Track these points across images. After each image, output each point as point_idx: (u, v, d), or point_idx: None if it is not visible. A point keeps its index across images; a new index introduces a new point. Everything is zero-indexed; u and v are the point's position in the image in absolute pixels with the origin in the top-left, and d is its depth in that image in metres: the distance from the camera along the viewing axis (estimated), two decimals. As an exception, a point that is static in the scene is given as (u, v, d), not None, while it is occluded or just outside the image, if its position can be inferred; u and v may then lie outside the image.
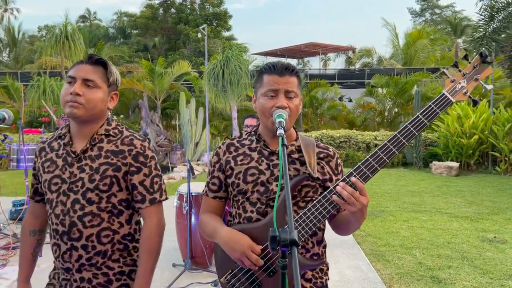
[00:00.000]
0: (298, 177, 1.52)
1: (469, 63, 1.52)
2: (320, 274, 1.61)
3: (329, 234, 1.66)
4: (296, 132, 1.67)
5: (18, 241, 4.94)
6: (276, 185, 1.53)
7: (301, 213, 1.47)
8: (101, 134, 1.65)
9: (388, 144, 1.48)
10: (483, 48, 9.65)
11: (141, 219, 1.72)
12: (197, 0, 36.31)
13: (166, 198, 1.71)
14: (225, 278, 1.54)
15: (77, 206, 1.58)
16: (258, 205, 1.54)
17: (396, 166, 13.06)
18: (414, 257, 4.78)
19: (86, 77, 1.59)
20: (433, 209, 7.24)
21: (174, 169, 12.04)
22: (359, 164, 1.47)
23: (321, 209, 1.46)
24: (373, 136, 14.47)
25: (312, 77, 22.74)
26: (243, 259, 1.44)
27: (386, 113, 19.20)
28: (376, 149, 1.48)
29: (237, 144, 1.66)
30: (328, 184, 1.59)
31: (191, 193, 4.26)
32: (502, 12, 9.54)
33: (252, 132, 1.67)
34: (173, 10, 36.56)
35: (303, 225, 1.46)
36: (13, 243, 4.96)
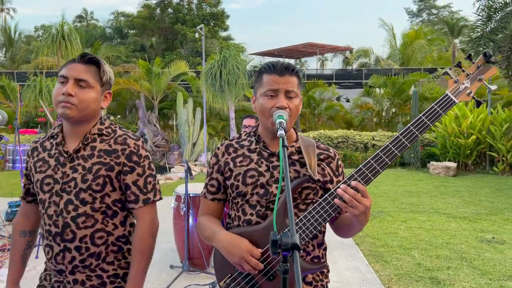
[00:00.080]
0: (299, 179, 1.49)
1: (473, 63, 1.49)
2: (320, 277, 1.58)
3: (327, 235, 1.63)
4: (296, 133, 1.64)
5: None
6: (276, 187, 1.50)
7: (301, 216, 1.44)
8: (94, 134, 1.62)
9: (390, 145, 1.45)
10: (481, 49, 9.65)
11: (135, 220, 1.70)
12: (194, 0, 36.26)
13: (160, 198, 1.68)
14: (224, 282, 1.51)
15: (70, 207, 1.55)
16: (258, 207, 1.51)
17: (394, 166, 13.05)
18: (412, 257, 4.76)
19: (78, 76, 1.55)
20: (431, 209, 7.23)
21: (172, 169, 12.00)
22: (360, 166, 1.44)
23: (322, 212, 1.43)
24: (371, 136, 14.46)
25: (309, 77, 22.74)
26: (242, 263, 1.41)
27: (383, 113, 19.20)
28: (378, 151, 1.46)
29: (236, 145, 1.62)
30: (329, 186, 1.56)
31: (189, 194, 4.23)
32: (499, 12, 9.55)
33: (252, 133, 1.64)
34: (170, 10, 36.51)
35: (304, 228, 1.43)
36: (9, 245, 4.91)
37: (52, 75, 17.99)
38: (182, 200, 4.28)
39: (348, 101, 22.33)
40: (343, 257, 4.82)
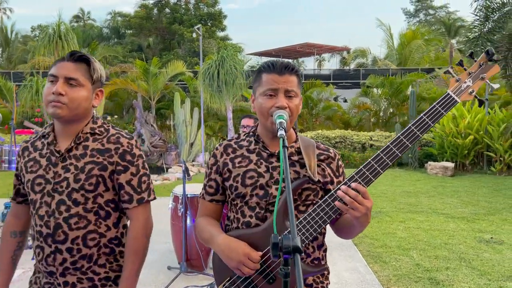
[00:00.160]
0: (298, 180, 1.47)
1: (475, 61, 1.47)
2: (321, 279, 1.56)
3: (326, 235, 1.61)
4: (296, 133, 1.61)
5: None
6: (276, 189, 1.48)
7: (301, 218, 1.42)
8: (87, 133, 1.60)
9: (391, 146, 1.43)
10: (478, 49, 9.66)
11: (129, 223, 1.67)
12: (191, 0, 36.21)
13: (154, 198, 1.66)
14: (223, 285, 1.49)
15: (62, 208, 1.52)
16: (257, 209, 1.48)
17: (392, 166, 13.04)
18: (411, 258, 4.74)
19: (68, 75, 1.53)
20: (429, 209, 7.22)
21: (169, 170, 11.96)
22: (361, 167, 1.41)
23: (322, 213, 1.40)
24: (369, 136, 14.46)
25: (307, 78, 22.73)
26: (240, 267, 1.38)
27: (381, 114, 19.20)
28: (378, 151, 1.43)
29: (235, 146, 1.59)
30: (329, 186, 1.53)
31: (187, 194, 4.20)
32: (497, 12, 9.56)
33: (251, 133, 1.61)
34: (167, 10, 36.46)
35: (304, 230, 1.40)
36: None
37: (49, 75, 17.86)
38: (179, 201, 4.25)
39: (345, 101, 22.34)
40: (341, 258, 4.80)
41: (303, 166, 1.51)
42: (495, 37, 9.88)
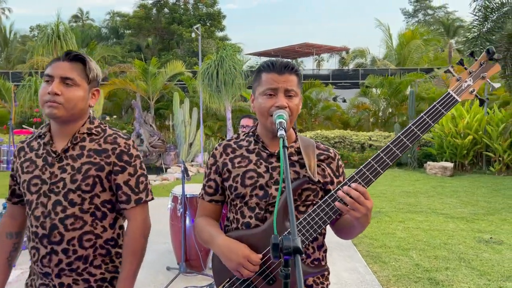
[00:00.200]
0: (298, 180, 1.46)
1: (476, 60, 1.46)
2: (321, 280, 1.55)
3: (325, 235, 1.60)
4: (296, 133, 1.60)
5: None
6: (276, 189, 1.47)
7: (301, 219, 1.40)
8: (83, 133, 1.59)
9: (391, 146, 1.42)
10: (477, 49, 9.65)
11: (125, 224, 1.66)
12: (190, 0, 36.19)
13: (152, 199, 1.65)
14: (223, 286, 1.48)
15: (58, 208, 1.51)
16: (257, 210, 1.47)
17: (391, 166, 13.01)
18: (411, 258, 4.74)
19: (64, 75, 1.51)
20: (428, 209, 7.22)
21: (168, 170, 11.94)
22: (361, 167, 1.40)
23: (322, 214, 1.39)
24: (368, 136, 14.46)
25: (306, 78, 22.71)
26: (240, 269, 1.37)
27: (380, 114, 19.21)
28: (378, 151, 1.42)
29: (234, 146, 1.58)
30: (329, 187, 1.52)
31: (186, 195, 4.18)
32: (496, 12, 9.56)
33: (250, 133, 1.60)
34: (166, 10, 36.43)
35: (304, 231, 1.39)
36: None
37: (48, 75, 17.83)
38: (178, 201, 4.24)
39: (344, 101, 22.34)
40: (341, 258, 4.79)
41: (303, 166, 1.50)
42: (494, 37, 9.88)
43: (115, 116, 18.29)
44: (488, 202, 7.84)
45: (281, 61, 1.49)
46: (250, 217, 1.48)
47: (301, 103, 1.54)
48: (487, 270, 4.34)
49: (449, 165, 11.39)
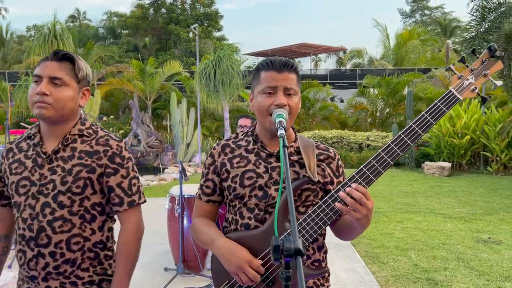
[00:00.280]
0: (298, 181, 1.43)
1: (477, 57, 1.44)
2: (321, 281, 1.52)
3: (324, 236, 1.57)
4: (295, 133, 1.57)
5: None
6: (275, 190, 1.44)
7: (301, 219, 1.38)
8: (75, 134, 1.57)
9: (392, 145, 1.40)
10: (475, 48, 9.63)
11: (113, 226, 1.64)
12: (187, 0, 36.15)
13: (145, 201, 1.64)
14: (221, 288, 1.45)
15: (47, 210, 1.48)
16: (256, 211, 1.45)
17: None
18: (409, 258, 4.72)
19: (52, 75, 1.49)
20: (426, 209, 7.21)
21: (165, 170, 11.89)
22: (361, 167, 1.38)
23: (322, 215, 1.37)
24: (365, 136, 14.47)
25: (303, 78, 22.68)
26: (239, 273, 1.34)
27: (378, 114, 19.23)
28: (379, 150, 1.40)
29: (233, 145, 1.56)
30: (329, 187, 1.50)
31: (183, 195, 4.16)
32: (493, 12, 9.56)
33: (249, 133, 1.58)
34: (163, 10, 36.37)
35: (303, 232, 1.37)
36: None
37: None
38: (176, 202, 4.21)
39: (342, 101, 22.33)
40: (339, 258, 4.77)
41: (302, 166, 1.48)
42: (492, 37, 9.87)
43: (112, 116, 18.19)
44: (486, 202, 7.84)
45: (280, 59, 1.47)
46: (249, 218, 1.45)
47: (300, 101, 1.52)
48: (485, 270, 4.33)
49: (447, 165, 11.40)
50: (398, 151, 1.39)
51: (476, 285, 3.98)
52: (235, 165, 1.50)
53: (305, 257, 1.46)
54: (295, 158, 1.50)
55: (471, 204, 7.67)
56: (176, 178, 10.58)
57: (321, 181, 1.49)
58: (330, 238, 1.56)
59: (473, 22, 9.88)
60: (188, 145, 13.25)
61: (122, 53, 31.95)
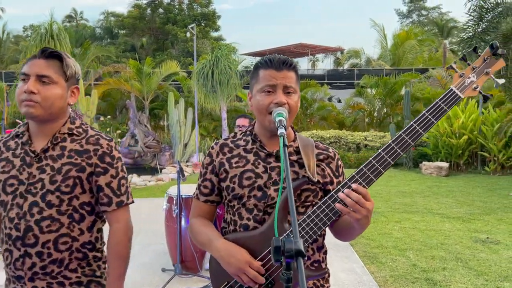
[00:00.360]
0: (298, 181, 1.41)
1: (479, 55, 1.42)
2: (321, 282, 1.50)
3: (322, 236, 1.55)
4: (294, 132, 1.55)
5: None
6: (274, 190, 1.42)
7: (300, 220, 1.36)
8: (64, 133, 1.55)
9: (393, 144, 1.38)
10: (473, 47, 9.65)
11: (103, 227, 1.63)
12: (185, 0, 36.10)
13: (133, 202, 1.63)
14: (220, 290, 1.43)
15: (35, 210, 1.46)
16: (255, 212, 1.42)
17: (386, 166, 13.05)
18: (408, 258, 4.71)
19: (40, 73, 1.47)
20: (424, 209, 7.21)
21: (163, 170, 11.86)
22: (361, 167, 1.36)
23: (322, 215, 1.35)
24: (363, 136, 14.47)
25: (301, 78, 22.24)
26: (240, 275, 1.32)
27: (375, 114, 19.22)
28: (379, 150, 1.38)
29: (231, 145, 1.53)
30: (329, 187, 1.48)
31: (181, 195, 4.13)
32: (491, 12, 9.58)
33: (248, 132, 1.55)
34: (161, 10, 36.32)
35: (303, 232, 1.35)
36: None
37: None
38: (174, 202, 4.19)
39: (339, 101, 22.33)
40: (338, 258, 4.75)
41: (302, 166, 1.46)
42: (489, 37, 9.89)
43: (109, 117, 18.14)
44: (483, 202, 7.85)
45: (279, 57, 1.45)
46: (248, 219, 1.43)
47: (299, 100, 1.50)
48: (484, 270, 4.32)
49: (445, 165, 11.41)
50: (399, 150, 1.38)
51: (474, 285, 3.97)
52: (234, 165, 1.48)
53: (305, 258, 1.44)
54: (294, 158, 1.47)
55: (469, 204, 7.67)
56: (174, 178, 10.54)
57: (321, 181, 1.47)
58: (329, 238, 1.54)
59: (471, 22, 9.90)
60: (185, 145, 13.21)
61: (119, 53, 31.87)
